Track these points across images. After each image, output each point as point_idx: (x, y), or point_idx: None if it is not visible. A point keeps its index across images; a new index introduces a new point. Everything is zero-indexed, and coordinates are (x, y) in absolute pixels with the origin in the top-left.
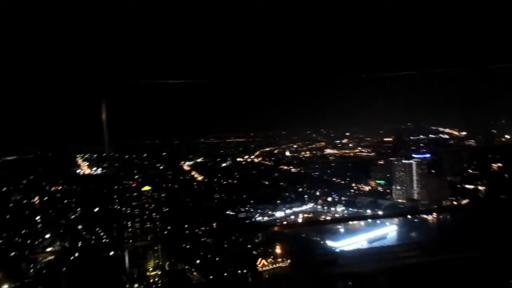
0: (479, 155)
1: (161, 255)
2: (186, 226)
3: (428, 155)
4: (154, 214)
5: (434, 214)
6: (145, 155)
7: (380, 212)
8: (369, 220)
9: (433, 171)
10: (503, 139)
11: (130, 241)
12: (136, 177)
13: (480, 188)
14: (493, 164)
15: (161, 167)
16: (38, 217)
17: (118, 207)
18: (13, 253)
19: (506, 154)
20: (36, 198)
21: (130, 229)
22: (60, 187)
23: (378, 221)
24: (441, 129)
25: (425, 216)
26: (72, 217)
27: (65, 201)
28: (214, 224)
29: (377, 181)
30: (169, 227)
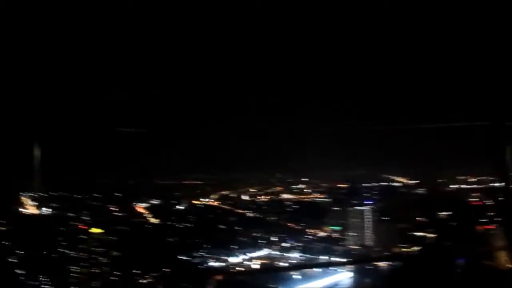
0: (427, 203)
1: None
2: (136, 271)
3: (379, 203)
4: (102, 258)
5: (386, 261)
6: (97, 195)
7: (334, 259)
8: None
9: (385, 218)
10: (447, 189)
11: None
12: (85, 218)
13: (429, 235)
14: (439, 212)
15: (114, 209)
16: None
17: (64, 251)
18: None
19: (451, 203)
20: None
21: (75, 275)
22: (1, 228)
23: (333, 268)
24: (392, 177)
25: (376, 263)
26: (12, 260)
27: (6, 243)
28: (166, 270)
29: (332, 227)
30: (118, 273)
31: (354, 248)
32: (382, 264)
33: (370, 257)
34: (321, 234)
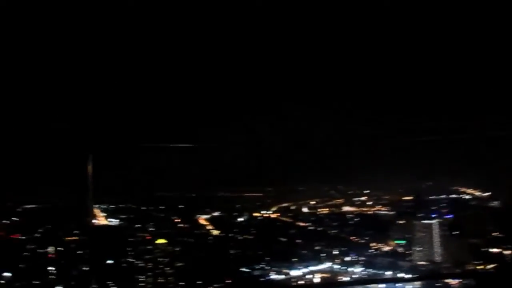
0: (503, 217)
1: None
2: (199, 282)
3: (449, 216)
4: (167, 268)
5: (457, 279)
6: (161, 207)
7: (400, 274)
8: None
9: (455, 232)
10: None
11: None
12: (151, 229)
13: (506, 252)
14: None
15: (177, 220)
16: (51, 268)
17: (131, 260)
18: None
19: None
20: (50, 248)
21: (142, 284)
22: (75, 238)
23: (398, 284)
24: (462, 189)
25: (447, 280)
26: (85, 268)
27: (78, 252)
28: (228, 281)
29: (397, 242)
30: (182, 283)
31: (421, 264)
32: (453, 281)
33: (439, 274)
34: (385, 248)
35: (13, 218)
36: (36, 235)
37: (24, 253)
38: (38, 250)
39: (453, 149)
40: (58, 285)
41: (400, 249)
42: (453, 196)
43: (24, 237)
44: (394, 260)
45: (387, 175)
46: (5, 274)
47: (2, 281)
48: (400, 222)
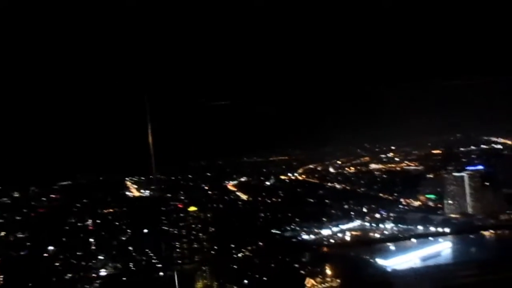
0: None
1: (209, 276)
2: (232, 246)
3: (481, 167)
4: (200, 234)
5: (492, 230)
6: (190, 176)
7: (432, 229)
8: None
9: (487, 183)
10: None
11: (179, 262)
12: (182, 198)
13: None
14: None
15: (206, 188)
16: (91, 239)
17: (166, 228)
18: (69, 275)
19: None
20: (89, 221)
21: (178, 250)
22: (111, 210)
23: (431, 238)
24: (493, 138)
25: (481, 232)
26: (123, 238)
27: (116, 223)
28: (260, 244)
29: (427, 196)
30: (216, 248)
31: (453, 217)
32: (487, 233)
33: (472, 226)
34: (416, 204)
35: (51, 195)
36: (74, 209)
37: (65, 227)
38: (77, 224)
39: (481, 96)
40: (99, 255)
41: (431, 204)
42: (484, 146)
43: (63, 213)
44: (426, 214)
45: (414, 130)
46: (49, 248)
47: (46, 255)
48: (430, 176)
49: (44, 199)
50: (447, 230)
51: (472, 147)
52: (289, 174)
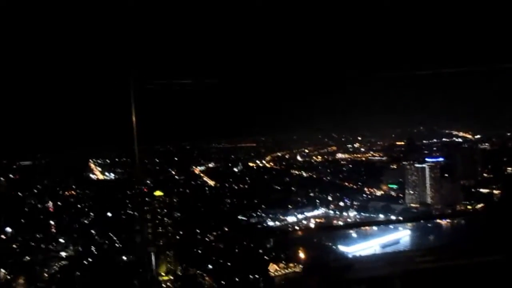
0: (493, 158)
1: (173, 260)
2: (198, 231)
3: (441, 159)
4: (165, 219)
5: (448, 219)
6: (157, 160)
7: (393, 217)
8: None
9: (446, 175)
10: None
11: (142, 246)
12: (147, 182)
13: (495, 191)
14: (508, 167)
15: (173, 172)
16: (52, 222)
17: (130, 212)
18: (27, 257)
19: None
20: (50, 203)
21: (142, 234)
22: (73, 192)
23: (391, 226)
24: (454, 132)
25: (439, 220)
26: (85, 221)
27: (78, 206)
28: (225, 229)
29: (390, 186)
30: (180, 232)
31: (413, 206)
32: (444, 222)
33: (430, 215)
34: (379, 193)
35: (10, 175)
36: (34, 190)
37: (24, 209)
38: (38, 205)
39: (444, 89)
40: (60, 238)
41: (393, 193)
42: (445, 139)
43: (22, 194)
44: (387, 203)
45: (380, 121)
46: (7, 229)
47: (3, 236)
48: (393, 166)
49: (2, 179)
50: (407, 218)
51: (434, 140)
52: (257, 161)
